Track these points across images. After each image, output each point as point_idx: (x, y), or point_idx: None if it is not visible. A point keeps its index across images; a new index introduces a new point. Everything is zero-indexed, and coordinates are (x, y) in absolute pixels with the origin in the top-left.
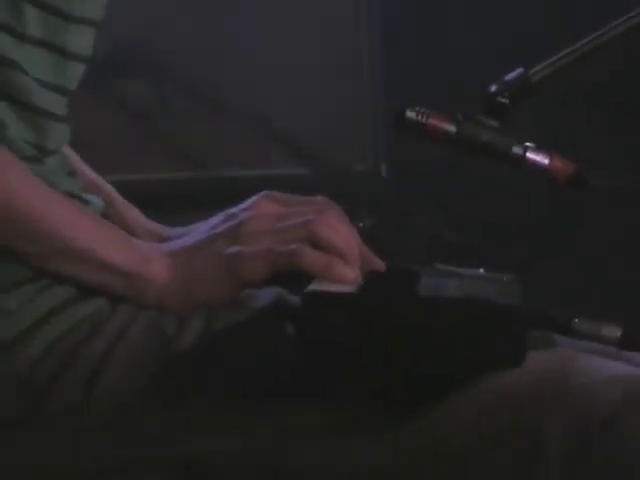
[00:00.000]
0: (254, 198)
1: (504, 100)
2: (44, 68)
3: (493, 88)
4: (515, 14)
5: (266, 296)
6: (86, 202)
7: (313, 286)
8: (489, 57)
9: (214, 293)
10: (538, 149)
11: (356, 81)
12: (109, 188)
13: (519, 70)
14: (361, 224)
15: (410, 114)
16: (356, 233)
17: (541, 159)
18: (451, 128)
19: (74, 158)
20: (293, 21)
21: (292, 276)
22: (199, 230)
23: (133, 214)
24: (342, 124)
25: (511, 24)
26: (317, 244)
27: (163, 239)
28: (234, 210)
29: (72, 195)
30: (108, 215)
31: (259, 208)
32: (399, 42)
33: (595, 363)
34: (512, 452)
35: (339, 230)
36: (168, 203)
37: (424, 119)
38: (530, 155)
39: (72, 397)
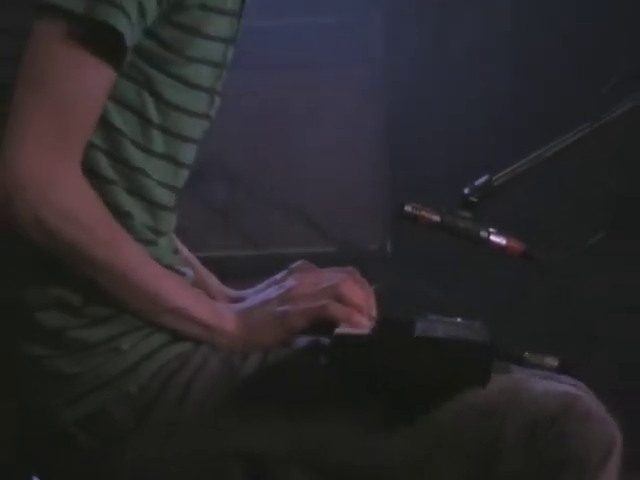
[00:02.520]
0: (292, 266)
1: (474, 199)
2: (164, 174)
3: (466, 190)
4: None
5: (304, 339)
6: (182, 274)
7: (339, 330)
8: (465, 164)
9: (269, 341)
10: (498, 233)
11: (369, 187)
12: (194, 260)
13: (485, 177)
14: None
15: (407, 208)
16: (371, 292)
17: (500, 240)
18: (437, 218)
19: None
20: (323, 144)
21: (323, 326)
22: (259, 294)
23: (211, 280)
24: (359, 217)
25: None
26: (342, 301)
27: (233, 299)
28: (278, 277)
29: (173, 268)
30: (194, 281)
31: (299, 278)
32: (401, 157)
33: (538, 383)
34: (481, 446)
35: (356, 291)
36: (235, 273)
37: (417, 211)
38: (492, 238)
39: (168, 412)
